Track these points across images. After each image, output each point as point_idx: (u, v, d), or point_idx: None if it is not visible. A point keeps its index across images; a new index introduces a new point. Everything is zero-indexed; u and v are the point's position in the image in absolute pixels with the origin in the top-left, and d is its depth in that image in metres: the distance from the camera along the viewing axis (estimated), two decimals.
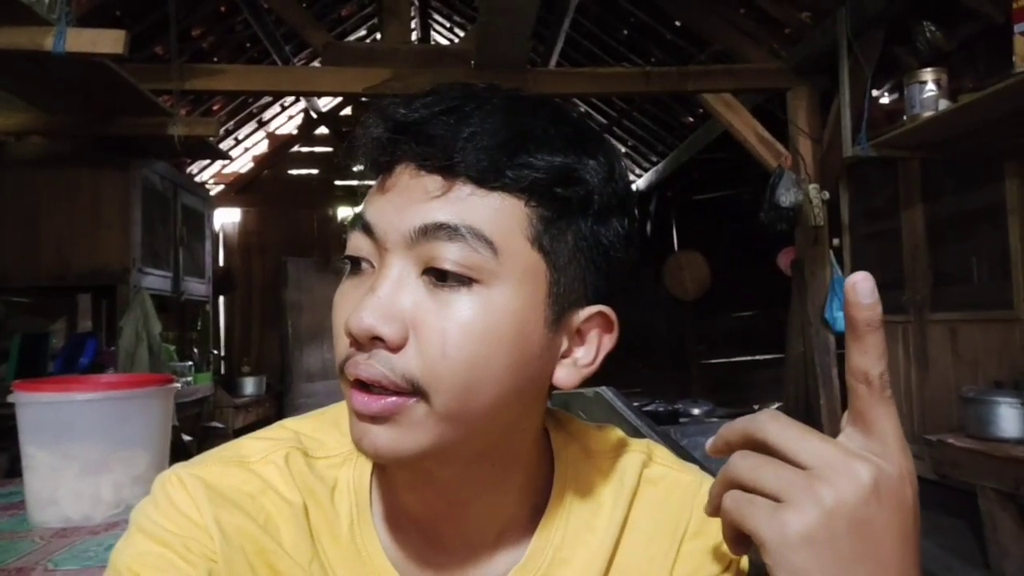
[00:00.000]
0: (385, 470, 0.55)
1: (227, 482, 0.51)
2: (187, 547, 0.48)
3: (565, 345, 0.50)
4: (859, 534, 0.37)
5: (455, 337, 0.45)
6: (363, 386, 0.46)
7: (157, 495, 0.51)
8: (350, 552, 0.53)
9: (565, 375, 0.51)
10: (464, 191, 0.46)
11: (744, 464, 0.40)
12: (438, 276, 0.45)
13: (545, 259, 0.48)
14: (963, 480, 2.78)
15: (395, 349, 0.45)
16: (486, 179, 0.46)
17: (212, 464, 0.53)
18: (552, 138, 0.47)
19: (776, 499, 0.38)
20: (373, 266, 0.48)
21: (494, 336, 0.45)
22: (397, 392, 0.45)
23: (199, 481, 0.50)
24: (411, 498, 0.54)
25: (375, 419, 0.46)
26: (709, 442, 0.44)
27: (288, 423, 0.58)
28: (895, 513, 0.38)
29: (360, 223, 0.49)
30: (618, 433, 0.62)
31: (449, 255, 0.45)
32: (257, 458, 0.53)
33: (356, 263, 0.49)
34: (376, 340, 0.45)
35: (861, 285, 0.39)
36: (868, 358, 0.39)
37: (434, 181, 0.46)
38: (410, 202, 0.46)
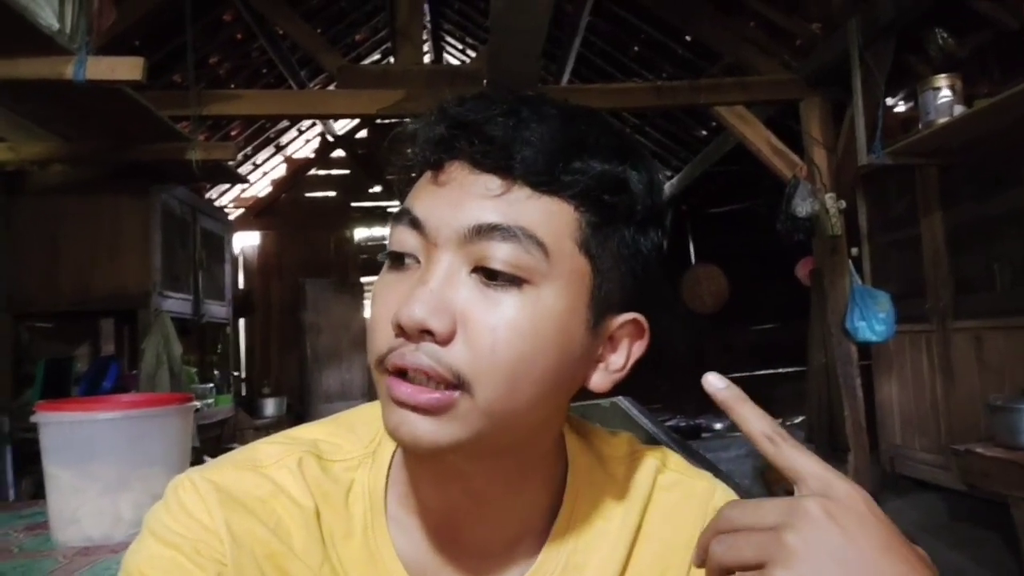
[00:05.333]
0: (406, 467, 0.55)
1: (239, 486, 0.51)
2: (197, 550, 0.48)
3: (600, 350, 0.52)
4: (839, 562, 0.37)
5: (504, 334, 0.46)
6: (403, 376, 0.46)
7: (169, 499, 0.51)
8: (363, 554, 0.53)
9: (599, 379, 0.53)
10: (521, 193, 0.47)
11: (720, 548, 0.40)
12: (489, 275, 0.46)
13: (591, 263, 0.49)
14: (993, 491, 2.72)
15: (443, 342, 0.46)
16: (542, 182, 0.47)
17: (225, 468, 0.53)
18: (603, 147, 0.49)
19: (760, 566, 0.38)
20: (418, 261, 0.49)
21: (540, 336, 0.47)
22: (442, 384, 0.46)
23: (211, 485, 0.51)
24: (433, 495, 0.53)
25: (416, 409, 0.46)
26: (693, 555, 0.44)
27: (302, 428, 0.58)
28: (860, 529, 0.38)
29: (408, 217, 0.49)
30: (632, 439, 0.62)
31: (502, 255, 0.46)
32: (270, 462, 0.53)
33: (400, 258, 0.49)
34: (424, 333, 0.46)
35: (710, 381, 0.45)
36: (754, 422, 0.43)
37: (490, 180, 0.47)
38: (464, 199, 0.47)
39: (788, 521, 0.38)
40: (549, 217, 0.47)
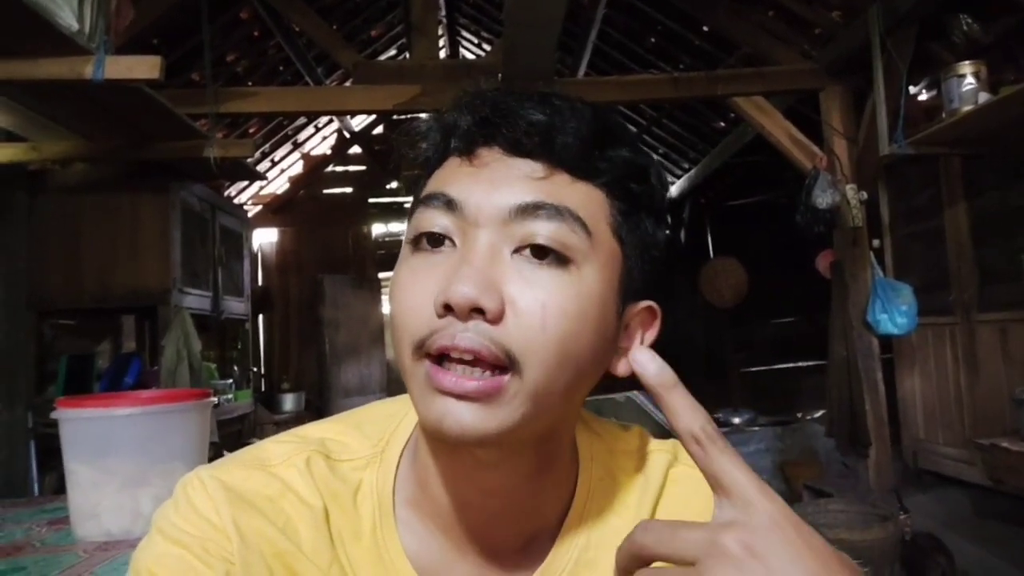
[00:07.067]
0: (424, 464, 0.53)
1: (247, 485, 0.51)
2: (205, 549, 0.48)
3: (621, 336, 0.52)
4: None
5: (553, 312, 0.46)
6: (440, 363, 0.46)
7: (178, 497, 0.51)
8: (372, 554, 0.52)
9: (620, 365, 0.53)
10: (561, 176, 0.49)
11: None
12: (536, 252, 0.47)
13: (622, 249, 0.50)
14: (1020, 486, 2.67)
15: (494, 320, 0.45)
16: (580, 167, 0.49)
17: (233, 467, 0.53)
18: (627, 138, 0.51)
19: None
20: (454, 243, 0.48)
21: (583, 316, 0.47)
22: (494, 365, 0.45)
23: (219, 484, 0.51)
24: (448, 494, 0.53)
25: (464, 397, 0.45)
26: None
27: (311, 427, 0.58)
28: (786, 560, 0.33)
29: (441, 199, 0.48)
30: (643, 433, 0.62)
31: (549, 232, 0.46)
32: (278, 461, 0.53)
33: (435, 239, 0.49)
34: (474, 312, 0.45)
35: (639, 359, 0.39)
36: (683, 417, 0.38)
37: (528, 164, 0.48)
38: (505, 181, 0.48)
39: (707, 561, 0.34)
40: (588, 200, 0.49)
